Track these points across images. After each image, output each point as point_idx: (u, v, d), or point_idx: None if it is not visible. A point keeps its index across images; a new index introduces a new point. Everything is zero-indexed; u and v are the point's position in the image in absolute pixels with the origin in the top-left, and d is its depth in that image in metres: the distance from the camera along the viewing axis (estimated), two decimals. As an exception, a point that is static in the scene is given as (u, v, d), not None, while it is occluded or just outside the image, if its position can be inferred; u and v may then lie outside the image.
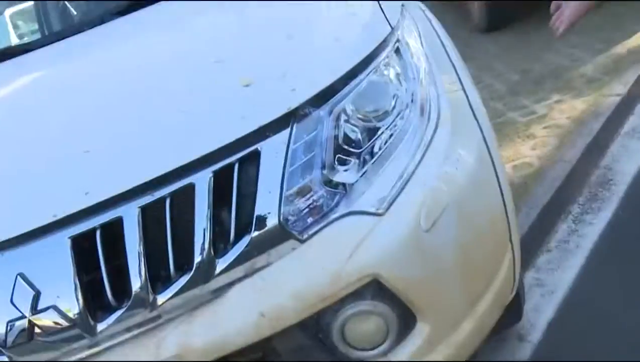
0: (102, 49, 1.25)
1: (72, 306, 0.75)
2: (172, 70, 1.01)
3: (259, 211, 0.77)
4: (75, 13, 1.62)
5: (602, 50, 2.66)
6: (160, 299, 0.76)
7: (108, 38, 1.31)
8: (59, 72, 1.25)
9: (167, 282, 0.77)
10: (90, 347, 0.77)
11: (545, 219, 1.63)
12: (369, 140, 0.87)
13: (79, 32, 1.35)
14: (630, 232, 1.51)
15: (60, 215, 0.75)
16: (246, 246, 0.77)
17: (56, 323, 0.76)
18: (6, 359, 0.78)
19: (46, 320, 0.76)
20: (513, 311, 1.11)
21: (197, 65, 0.99)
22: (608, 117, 2.04)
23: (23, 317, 0.75)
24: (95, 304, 0.76)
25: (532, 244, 1.53)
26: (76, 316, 0.74)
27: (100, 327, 0.76)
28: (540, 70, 2.73)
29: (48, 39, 1.46)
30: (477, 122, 0.97)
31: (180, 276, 0.76)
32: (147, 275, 0.75)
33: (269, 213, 0.77)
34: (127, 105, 0.95)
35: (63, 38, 1.34)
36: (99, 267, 0.75)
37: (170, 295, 0.76)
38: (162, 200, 0.76)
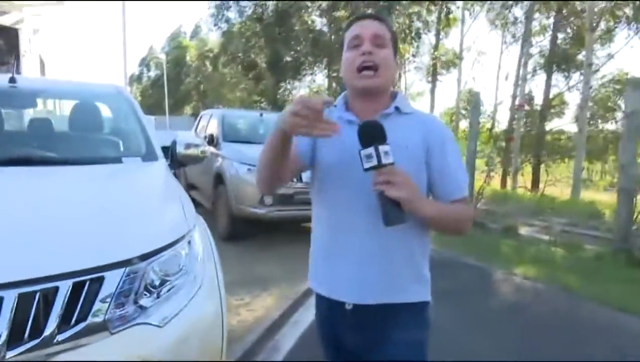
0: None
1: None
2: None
3: (94, 311, 1.36)
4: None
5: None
6: (10, 354, 1.22)
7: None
8: None
9: (20, 343, 1.24)
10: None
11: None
12: (161, 285, 1.58)
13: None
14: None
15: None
16: (81, 329, 1.33)
17: None
18: None
19: None
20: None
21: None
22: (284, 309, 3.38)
23: None
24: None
25: None
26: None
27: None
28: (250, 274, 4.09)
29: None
30: (219, 287, 1.80)
31: (31, 341, 1.25)
32: (7, 337, 1.22)
33: (99, 314, 1.37)
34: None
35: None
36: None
37: (19, 351, 1.23)
38: (35, 292, 1.29)
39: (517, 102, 16.40)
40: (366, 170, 1.09)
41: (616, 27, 15.71)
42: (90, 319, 1.35)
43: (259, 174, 1.29)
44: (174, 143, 2.78)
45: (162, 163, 2.49)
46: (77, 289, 1.35)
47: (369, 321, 1.25)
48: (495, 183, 16.17)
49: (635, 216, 5.30)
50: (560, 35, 17.64)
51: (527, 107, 16.35)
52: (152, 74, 54.13)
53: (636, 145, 5.19)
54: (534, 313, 3.76)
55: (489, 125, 18.04)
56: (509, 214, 7.74)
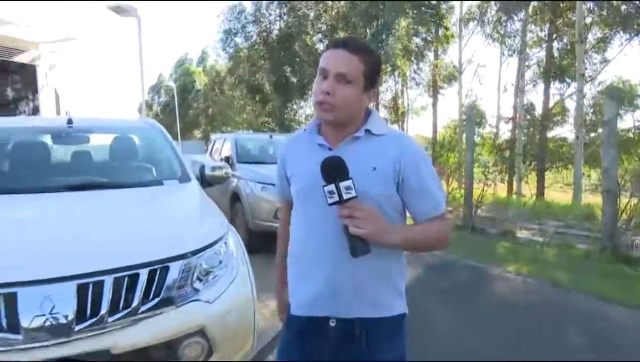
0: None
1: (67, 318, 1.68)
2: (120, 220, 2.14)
3: (165, 291, 1.89)
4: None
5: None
6: (110, 319, 1.75)
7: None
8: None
9: (115, 312, 1.76)
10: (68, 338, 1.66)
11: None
12: (206, 274, 2.10)
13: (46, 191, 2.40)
14: None
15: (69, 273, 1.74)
16: (156, 303, 1.85)
17: (53, 325, 1.65)
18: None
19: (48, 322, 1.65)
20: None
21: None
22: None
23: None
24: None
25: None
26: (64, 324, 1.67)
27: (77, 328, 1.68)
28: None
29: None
30: (249, 277, 2.32)
31: (123, 311, 1.78)
32: (107, 308, 1.74)
33: (168, 293, 1.89)
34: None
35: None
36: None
37: (115, 318, 1.75)
38: (124, 276, 1.82)
39: (517, 114, 16.87)
40: (330, 205, 1.14)
41: (608, 36, 16.18)
42: (162, 296, 1.88)
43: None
44: (203, 167, 3.34)
45: (195, 183, 3.04)
46: (151, 275, 1.88)
47: (353, 336, 1.25)
48: (502, 190, 16.59)
49: (619, 216, 5.71)
50: (556, 46, 18.15)
51: (518, 119, 16.79)
52: (162, 100, 55.34)
53: (616, 150, 5.65)
54: (523, 303, 4.21)
55: (491, 136, 18.50)
56: (507, 219, 8.18)
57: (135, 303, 1.81)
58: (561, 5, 16.86)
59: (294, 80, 25.08)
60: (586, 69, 17.42)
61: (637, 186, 6.08)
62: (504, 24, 18.10)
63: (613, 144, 5.63)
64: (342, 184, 1.12)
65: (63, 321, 1.67)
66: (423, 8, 19.94)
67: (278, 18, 25.25)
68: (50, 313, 1.65)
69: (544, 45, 18.62)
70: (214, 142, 8.70)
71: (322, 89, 1.21)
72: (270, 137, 7.83)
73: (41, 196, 2.52)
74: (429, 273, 5.11)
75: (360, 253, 1.15)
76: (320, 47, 24.87)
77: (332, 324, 1.26)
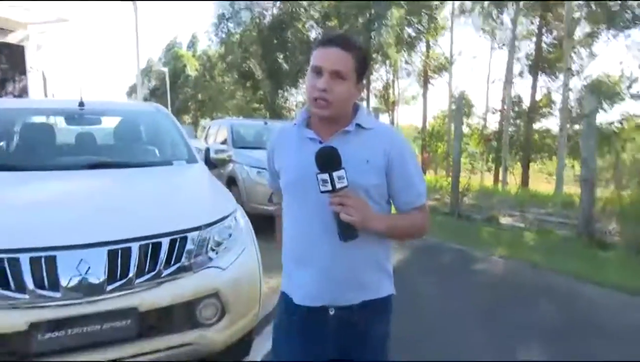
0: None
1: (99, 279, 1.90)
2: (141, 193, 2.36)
3: (184, 258, 2.12)
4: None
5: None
6: (138, 281, 1.97)
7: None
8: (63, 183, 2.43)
9: (141, 275, 1.99)
10: (100, 296, 1.89)
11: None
12: (218, 246, 2.33)
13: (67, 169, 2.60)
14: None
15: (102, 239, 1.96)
16: (176, 268, 2.08)
17: (88, 285, 1.88)
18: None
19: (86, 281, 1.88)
20: (248, 341, 2.54)
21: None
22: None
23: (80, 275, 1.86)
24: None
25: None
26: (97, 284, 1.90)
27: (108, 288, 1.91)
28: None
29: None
30: (256, 249, 2.55)
31: (148, 274, 2.00)
32: (134, 272, 1.97)
33: (187, 260, 2.12)
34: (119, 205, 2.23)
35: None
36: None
37: (141, 280, 1.98)
38: (148, 244, 2.04)
39: (504, 106, 17.19)
40: (322, 193, 1.20)
41: (595, 32, 16.53)
42: (181, 262, 2.11)
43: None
44: (208, 150, 3.56)
45: (202, 165, 3.26)
46: (172, 243, 2.11)
47: (351, 321, 1.33)
48: (489, 180, 16.99)
49: (596, 204, 6.05)
50: (545, 40, 18.47)
51: (505, 111, 17.13)
52: (152, 84, 54.70)
53: (595, 142, 5.96)
54: (502, 281, 4.53)
55: (479, 127, 18.84)
56: (492, 206, 8.52)
57: (158, 268, 2.03)
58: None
59: (286, 67, 25.10)
60: (574, 62, 17.83)
61: (615, 177, 6.40)
62: (495, 17, 18.33)
63: (592, 136, 5.94)
64: (335, 174, 1.17)
65: (96, 281, 1.89)
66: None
67: (271, 5, 25.17)
68: (85, 274, 1.88)
69: (534, 39, 18.92)
70: (209, 127, 8.86)
71: (318, 86, 1.25)
72: (265, 123, 8.03)
73: (65, 173, 2.76)
74: (417, 255, 5.40)
75: (348, 238, 1.22)
76: (313, 34, 24.91)
77: (331, 313, 1.32)
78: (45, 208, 2.18)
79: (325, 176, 1.18)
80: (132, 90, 57.42)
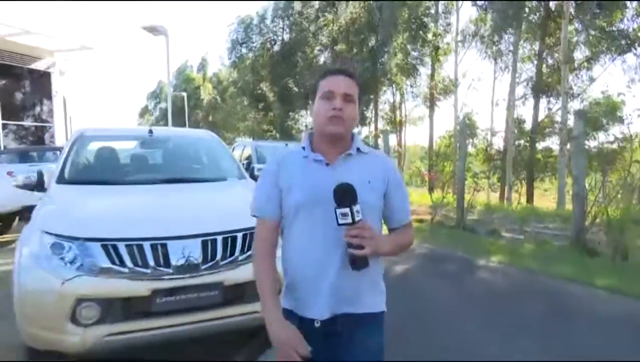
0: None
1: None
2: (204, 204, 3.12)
3: (236, 251, 2.77)
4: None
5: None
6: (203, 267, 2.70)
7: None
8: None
9: (225, 259, 2.72)
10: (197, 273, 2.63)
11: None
12: None
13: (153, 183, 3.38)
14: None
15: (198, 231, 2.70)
16: (249, 255, 2.75)
17: (189, 265, 2.62)
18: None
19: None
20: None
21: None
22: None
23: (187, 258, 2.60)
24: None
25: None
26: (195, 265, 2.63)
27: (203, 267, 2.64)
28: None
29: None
30: None
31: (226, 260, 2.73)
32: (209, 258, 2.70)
33: (233, 256, 2.75)
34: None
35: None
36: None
37: (233, 264, 2.71)
38: (227, 237, 2.77)
39: (507, 128, 17.91)
40: (340, 225, 1.25)
41: (593, 56, 17.35)
42: (235, 255, 2.75)
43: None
44: (253, 168, 4.33)
45: (250, 180, 4.00)
46: (244, 237, 2.78)
47: (336, 329, 1.39)
48: (495, 200, 17.62)
49: (587, 217, 6.71)
50: (546, 63, 19.30)
51: (506, 133, 17.67)
52: (163, 105, 56.12)
53: (585, 160, 6.66)
54: (500, 283, 5.20)
55: (483, 147, 19.53)
56: (494, 221, 9.18)
57: (236, 254, 2.75)
58: (551, 25, 18.01)
59: (296, 90, 26.10)
60: (574, 85, 18.62)
61: (603, 193, 7.07)
62: (497, 43, 19.24)
63: (581, 156, 6.65)
64: (355, 208, 1.25)
65: (195, 262, 2.61)
66: (417, 25, 21.13)
67: (281, 31, 26.36)
68: (188, 257, 2.61)
69: (535, 62, 19.76)
70: (234, 148, 9.70)
71: (335, 105, 1.38)
72: (286, 144, 8.84)
73: (150, 186, 3.52)
74: (426, 262, 6.09)
75: (361, 267, 1.31)
76: (321, 59, 25.97)
77: (316, 325, 1.39)
78: (153, 210, 2.95)
79: (346, 210, 1.24)
80: (143, 112, 59.01)
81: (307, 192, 1.38)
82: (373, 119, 24.65)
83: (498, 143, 20.01)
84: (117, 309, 2.48)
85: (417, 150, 32.18)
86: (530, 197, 18.46)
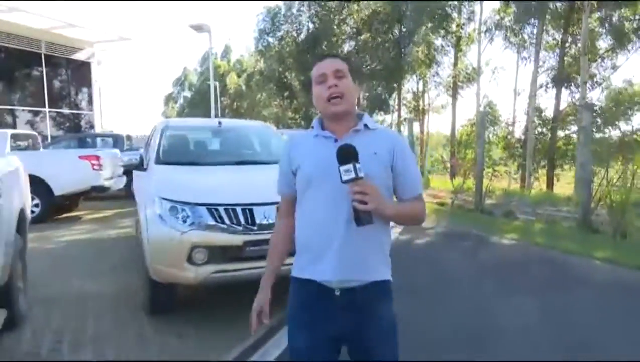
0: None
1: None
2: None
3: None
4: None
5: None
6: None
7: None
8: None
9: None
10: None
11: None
12: None
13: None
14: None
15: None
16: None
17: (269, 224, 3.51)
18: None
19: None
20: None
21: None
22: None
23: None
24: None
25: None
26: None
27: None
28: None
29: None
30: None
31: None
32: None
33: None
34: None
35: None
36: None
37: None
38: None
39: (528, 117, 18.37)
40: (344, 182, 1.34)
41: (615, 46, 17.61)
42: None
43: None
44: None
45: None
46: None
47: (356, 298, 1.46)
48: (516, 185, 18.22)
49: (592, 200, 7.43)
50: (568, 53, 19.57)
51: (528, 122, 17.99)
52: (187, 93, 57.19)
53: (589, 149, 7.36)
54: (508, 254, 6.04)
55: (505, 135, 20.07)
56: (510, 205, 9.93)
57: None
58: (574, 15, 18.27)
59: (322, 79, 26.60)
60: (597, 74, 18.91)
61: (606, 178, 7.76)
62: (520, 32, 19.60)
63: (588, 144, 7.36)
64: (357, 165, 1.34)
65: (271, 222, 3.37)
66: (441, 14, 21.53)
67: (307, 20, 26.98)
68: (267, 218, 3.46)
69: (557, 51, 20.04)
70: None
71: (328, 84, 1.47)
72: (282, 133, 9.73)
73: (227, 167, 4.36)
74: (445, 238, 6.97)
75: (365, 223, 1.36)
76: (346, 47, 26.55)
77: (337, 294, 1.45)
78: (236, 183, 3.89)
79: (349, 167, 1.34)
80: (168, 99, 60.31)
81: (317, 166, 1.48)
82: (397, 107, 25.25)
83: (519, 131, 20.49)
84: (218, 254, 3.42)
85: (440, 138, 32.65)
86: (550, 184, 18.95)
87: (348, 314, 1.46)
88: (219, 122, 5.12)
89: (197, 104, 49.56)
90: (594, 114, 17.45)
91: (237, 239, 3.44)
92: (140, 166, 4.51)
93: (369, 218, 1.36)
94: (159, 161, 4.39)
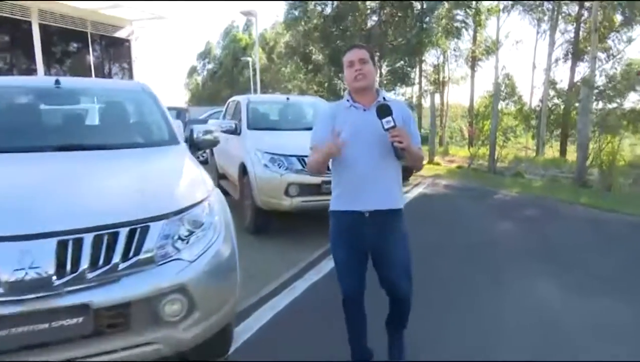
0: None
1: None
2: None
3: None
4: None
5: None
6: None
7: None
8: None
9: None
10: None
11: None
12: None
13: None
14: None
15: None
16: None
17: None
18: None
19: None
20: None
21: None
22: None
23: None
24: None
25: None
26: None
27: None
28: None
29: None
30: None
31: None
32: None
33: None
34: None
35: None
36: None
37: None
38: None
39: (544, 90, 19.38)
40: (386, 130, 1.97)
41: (629, 20, 18.38)
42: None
43: (313, 170, 2.24)
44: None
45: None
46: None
47: (380, 220, 2.14)
48: (531, 153, 19.51)
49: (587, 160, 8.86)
50: (583, 27, 20.36)
51: (544, 95, 18.95)
52: (210, 67, 57.55)
53: (588, 117, 8.75)
54: (509, 202, 7.63)
55: (521, 106, 21.14)
56: (521, 167, 11.41)
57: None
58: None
59: (347, 53, 27.22)
60: (611, 48, 19.73)
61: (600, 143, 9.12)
62: (538, 7, 20.43)
63: (586, 114, 8.75)
64: (394, 117, 1.97)
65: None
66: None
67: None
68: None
69: (574, 25, 20.81)
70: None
71: (355, 68, 2.11)
72: (287, 98, 10.73)
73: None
74: (460, 191, 8.55)
75: (401, 157, 2.06)
76: (369, 23, 27.22)
77: (367, 215, 2.12)
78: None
79: (389, 118, 1.96)
80: (191, 72, 61.06)
81: (354, 130, 2.07)
82: (417, 80, 26.16)
83: (535, 103, 21.54)
84: (305, 189, 4.99)
85: (459, 110, 33.50)
86: (563, 152, 20.13)
87: (374, 230, 2.12)
88: (287, 98, 6.69)
89: (221, 77, 50.55)
90: (602, 86, 18.56)
91: (316, 179, 4.95)
92: (235, 131, 6.11)
93: (404, 154, 2.03)
94: (249, 127, 6.00)
